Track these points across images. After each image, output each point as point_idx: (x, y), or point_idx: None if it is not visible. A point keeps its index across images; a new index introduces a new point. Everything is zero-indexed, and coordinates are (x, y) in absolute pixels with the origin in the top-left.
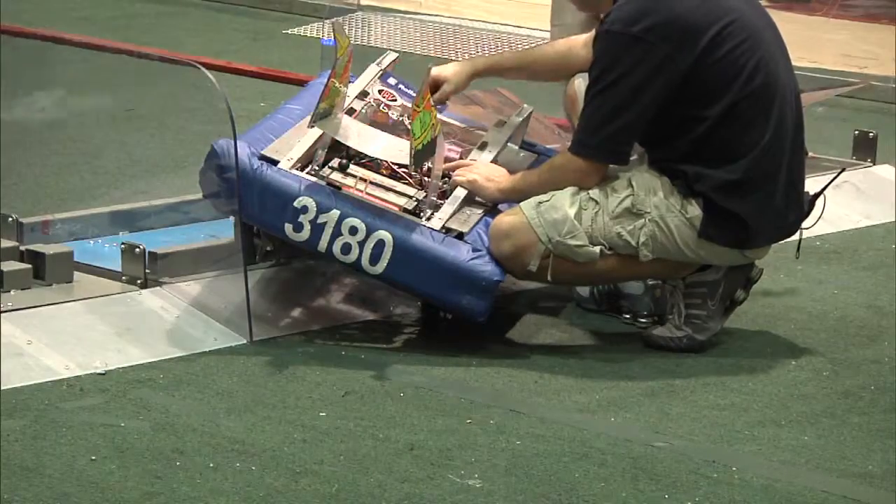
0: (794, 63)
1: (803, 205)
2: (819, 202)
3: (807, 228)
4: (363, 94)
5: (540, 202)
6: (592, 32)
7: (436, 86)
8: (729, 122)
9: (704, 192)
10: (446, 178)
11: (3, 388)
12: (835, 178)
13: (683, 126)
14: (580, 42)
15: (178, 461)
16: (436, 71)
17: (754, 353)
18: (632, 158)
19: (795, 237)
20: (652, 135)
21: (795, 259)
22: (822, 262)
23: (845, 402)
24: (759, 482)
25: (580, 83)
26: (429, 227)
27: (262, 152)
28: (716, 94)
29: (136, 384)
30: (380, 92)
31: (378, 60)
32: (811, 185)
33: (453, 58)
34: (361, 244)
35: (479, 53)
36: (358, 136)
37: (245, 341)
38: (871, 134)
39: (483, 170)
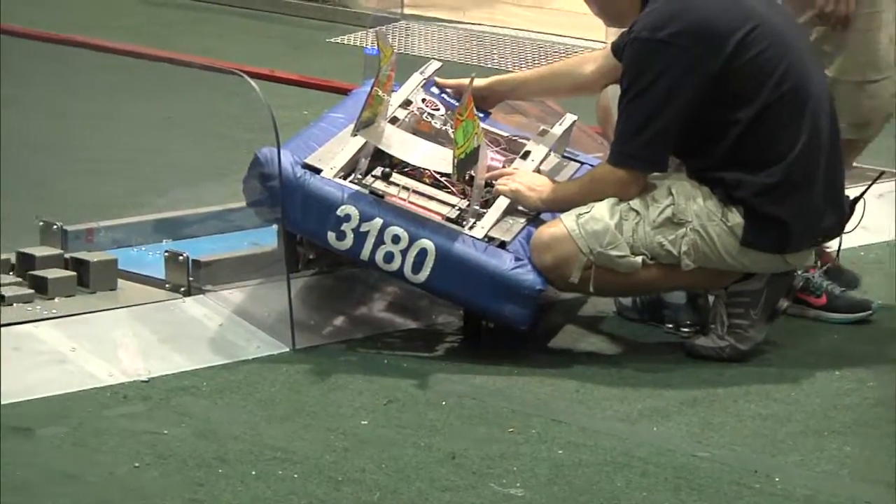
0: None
1: (843, 207)
2: (859, 207)
3: (848, 232)
4: (406, 103)
5: (580, 213)
6: (604, 51)
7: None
8: (763, 126)
9: (744, 197)
10: (489, 187)
11: (46, 394)
12: (874, 181)
13: (717, 131)
14: (590, 58)
15: (220, 469)
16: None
17: (797, 363)
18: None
19: (833, 244)
20: (687, 143)
21: (836, 263)
22: (865, 272)
23: (889, 413)
24: (801, 493)
25: (614, 94)
26: (471, 236)
27: (305, 161)
28: (747, 96)
29: (178, 392)
30: (423, 101)
31: (421, 69)
32: (854, 193)
33: (496, 67)
34: (404, 253)
35: (520, 62)
36: (401, 144)
37: (287, 349)
38: None
39: (525, 179)
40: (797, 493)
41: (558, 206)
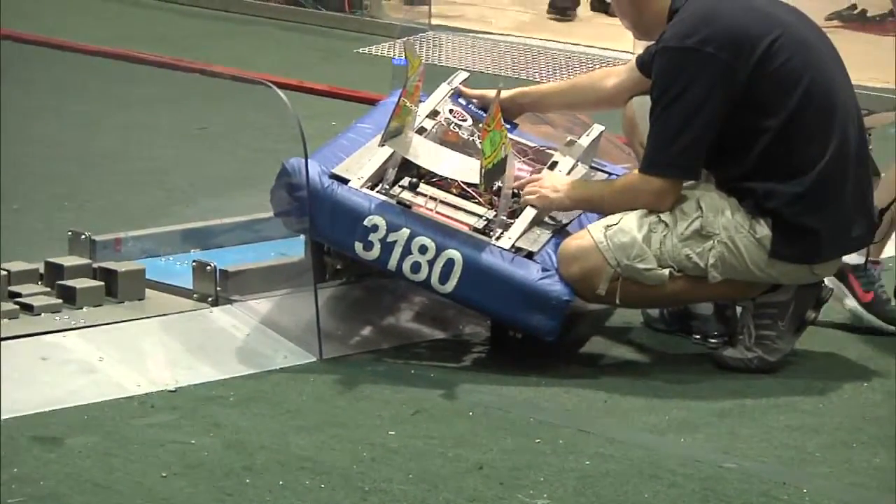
0: (866, 83)
1: (872, 216)
2: (888, 217)
3: (876, 242)
4: (434, 114)
5: (608, 225)
6: (628, 65)
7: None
8: (792, 134)
9: (776, 208)
10: (516, 198)
11: (74, 404)
12: None
13: (746, 140)
14: (613, 72)
15: (247, 478)
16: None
17: (825, 375)
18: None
19: (861, 255)
20: (716, 153)
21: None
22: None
23: None
24: None
25: (639, 105)
26: (498, 247)
27: (333, 171)
28: (775, 104)
29: (206, 401)
30: (450, 111)
31: (449, 80)
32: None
33: (523, 77)
34: (431, 263)
35: (548, 73)
36: (428, 155)
37: (315, 359)
38: None
39: (547, 182)
40: None
41: (587, 205)
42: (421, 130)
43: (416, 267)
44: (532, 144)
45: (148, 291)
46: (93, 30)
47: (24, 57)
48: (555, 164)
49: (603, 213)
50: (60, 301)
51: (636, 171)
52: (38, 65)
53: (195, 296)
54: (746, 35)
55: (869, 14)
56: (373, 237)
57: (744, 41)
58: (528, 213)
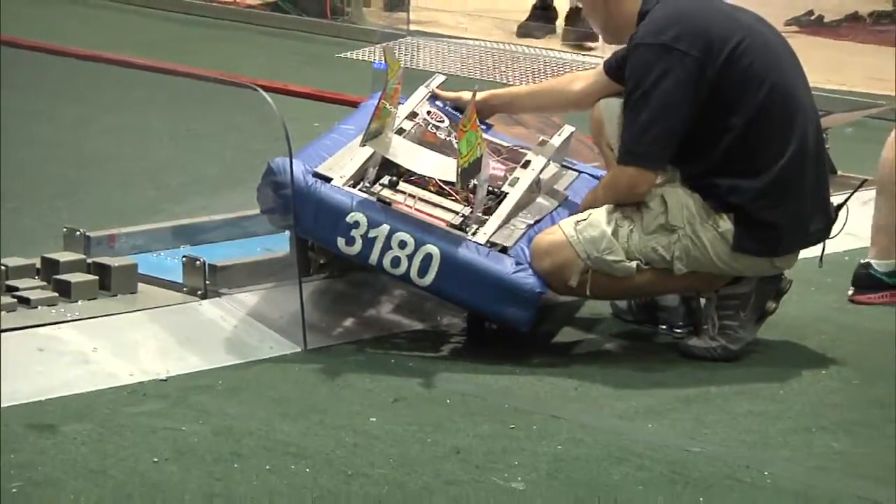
0: (823, 85)
1: (830, 213)
2: (843, 213)
3: (833, 237)
4: (412, 115)
5: (578, 221)
6: (596, 69)
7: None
8: (754, 133)
9: (738, 203)
10: (490, 195)
11: (69, 393)
12: (857, 189)
13: (712, 138)
14: (581, 76)
15: (235, 463)
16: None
17: (786, 363)
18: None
19: (819, 248)
20: (682, 149)
21: (820, 268)
22: (849, 276)
23: (875, 411)
24: (792, 487)
25: (605, 107)
26: (474, 242)
27: (316, 170)
28: (740, 104)
29: (195, 390)
30: (428, 113)
31: (427, 83)
32: (839, 199)
33: (496, 80)
34: (410, 257)
35: (520, 76)
36: (407, 154)
37: (299, 350)
38: None
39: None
40: (788, 487)
41: (590, 207)
42: (400, 131)
43: (395, 261)
44: (506, 144)
45: (140, 285)
46: (86, 36)
47: (20, 62)
48: (528, 162)
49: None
50: (56, 295)
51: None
52: (33, 69)
53: (185, 289)
54: (715, 36)
55: (825, 20)
56: (354, 233)
57: (713, 41)
58: (503, 210)
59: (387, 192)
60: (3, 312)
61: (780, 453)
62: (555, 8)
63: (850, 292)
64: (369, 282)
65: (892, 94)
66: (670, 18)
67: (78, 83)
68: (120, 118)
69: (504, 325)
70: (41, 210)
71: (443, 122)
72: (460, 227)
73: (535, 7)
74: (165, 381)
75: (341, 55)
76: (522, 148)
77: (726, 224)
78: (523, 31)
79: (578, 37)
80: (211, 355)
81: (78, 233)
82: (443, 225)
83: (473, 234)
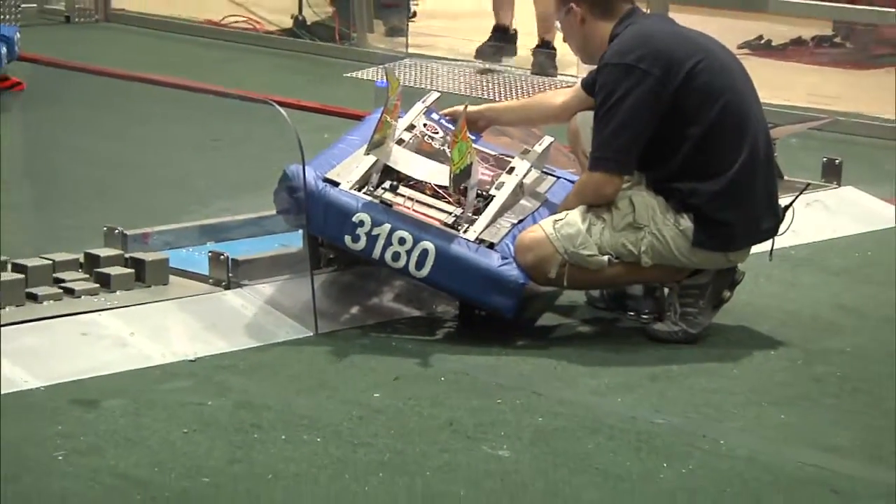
0: (772, 101)
1: (778, 213)
2: (790, 213)
3: (780, 234)
4: (410, 127)
5: (556, 220)
6: (574, 86)
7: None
8: (711, 142)
9: (697, 204)
10: (479, 198)
11: (109, 372)
12: (801, 192)
13: (673, 146)
14: (561, 92)
15: (255, 434)
16: (471, 109)
17: (739, 345)
18: (628, 183)
19: (768, 244)
20: (649, 157)
21: (769, 262)
22: (795, 268)
23: (817, 386)
24: (744, 454)
25: (581, 120)
26: (465, 239)
27: (326, 175)
28: (698, 116)
29: (220, 370)
30: (424, 125)
31: (423, 99)
32: (786, 201)
33: (485, 97)
34: (409, 252)
35: (506, 93)
36: (406, 162)
37: (311, 334)
38: (837, 161)
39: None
40: (740, 454)
41: (564, 209)
42: (400, 141)
43: (396, 256)
44: (493, 152)
45: (171, 277)
46: (119, 57)
47: (62, 80)
48: (512, 169)
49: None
50: (97, 286)
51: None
52: (73, 87)
53: (211, 281)
54: (675, 56)
55: (773, 44)
56: (359, 231)
57: (672, 61)
58: (490, 211)
59: (388, 195)
60: (50, 301)
61: (734, 424)
62: (514, 30)
63: None
64: (373, 274)
65: (832, 108)
66: (635, 41)
67: (112, 99)
68: (150, 130)
69: (491, 311)
70: (83, 211)
71: (437, 133)
72: (453, 226)
73: (495, 29)
74: (193, 361)
75: (348, 75)
76: (507, 156)
77: (686, 223)
78: (480, 53)
79: (542, 68)
80: (233, 339)
81: (116, 231)
82: (437, 224)
83: (464, 231)
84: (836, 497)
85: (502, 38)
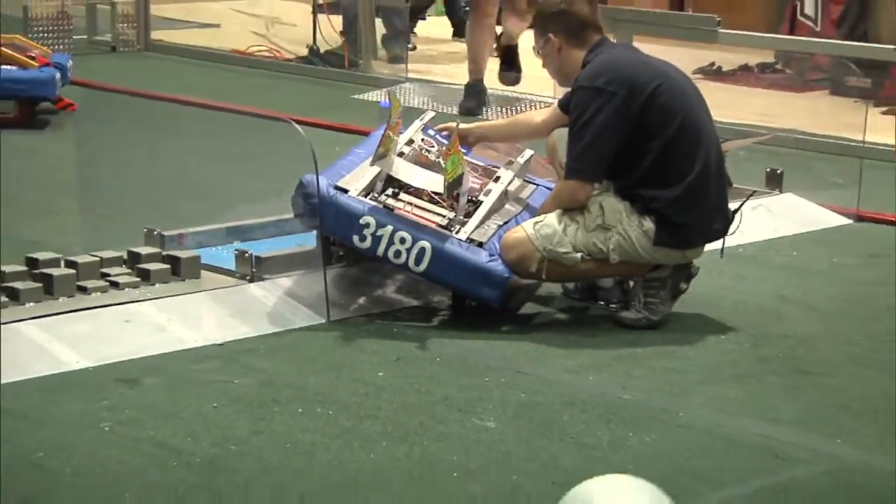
0: (722, 119)
1: (728, 216)
2: (738, 216)
3: (730, 234)
4: (410, 142)
5: (536, 222)
6: (552, 107)
7: (460, 136)
8: (669, 155)
9: (658, 208)
10: (470, 203)
11: (149, 354)
12: (748, 198)
13: (636, 158)
14: (542, 112)
15: (275, 407)
16: (462, 127)
17: (695, 330)
18: (598, 190)
19: (719, 243)
20: (616, 167)
21: (720, 258)
22: (742, 264)
23: (762, 366)
24: (700, 424)
25: (558, 135)
26: (457, 238)
27: (337, 184)
28: (658, 132)
29: (244, 352)
30: (422, 140)
31: (421, 117)
32: (735, 205)
33: (476, 116)
34: (408, 250)
35: (493, 112)
36: (406, 171)
37: (324, 321)
38: (778, 171)
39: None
40: (697, 424)
41: (541, 214)
42: (401, 154)
43: (397, 253)
44: (481, 164)
45: (203, 272)
46: (156, 82)
47: (108, 102)
48: (498, 178)
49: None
50: (139, 279)
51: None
52: (117, 108)
53: (237, 275)
54: (638, 80)
55: (723, 69)
56: (366, 232)
57: (636, 84)
58: (479, 214)
59: (390, 201)
60: (98, 293)
61: (691, 399)
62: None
63: None
64: (377, 269)
65: (774, 125)
66: (604, 67)
67: (151, 118)
68: (184, 145)
69: (480, 301)
70: (126, 215)
71: (433, 147)
72: (446, 227)
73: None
74: (221, 345)
75: (355, 97)
76: (494, 167)
77: (649, 224)
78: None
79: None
80: (256, 325)
81: (155, 232)
82: (433, 225)
83: (457, 232)
84: (779, 461)
85: (476, 93)
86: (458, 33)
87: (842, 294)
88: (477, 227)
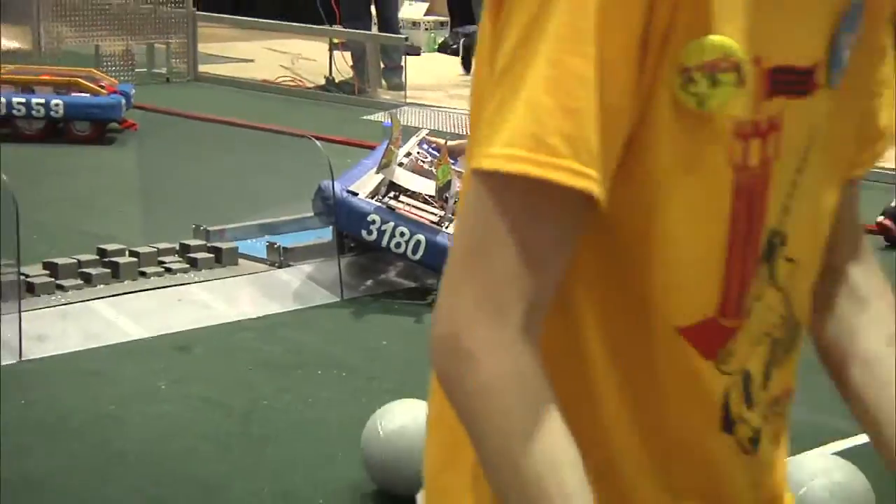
0: None
1: None
2: None
3: None
4: (408, 154)
5: None
6: None
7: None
8: None
9: None
10: (457, 204)
11: (196, 326)
12: None
13: None
14: None
15: (299, 370)
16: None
17: None
18: None
19: None
20: None
21: None
22: None
23: None
24: None
25: None
26: (447, 232)
27: (349, 188)
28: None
29: (274, 324)
30: (418, 153)
31: (417, 134)
32: None
33: (462, 133)
34: (407, 242)
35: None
36: (405, 178)
37: (338, 299)
38: None
39: None
40: None
41: None
42: (400, 164)
43: (398, 245)
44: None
45: (240, 260)
46: (203, 106)
47: (163, 123)
48: None
49: None
50: (189, 266)
51: None
52: (171, 127)
53: (268, 262)
54: None
55: None
56: (372, 227)
57: None
58: None
59: (392, 202)
60: (155, 276)
61: None
62: None
63: None
64: (382, 257)
65: None
66: None
67: (197, 135)
68: (224, 157)
69: None
70: (178, 214)
71: (427, 158)
72: (438, 224)
73: None
74: (255, 319)
75: (364, 117)
76: None
77: None
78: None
79: None
80: (283, 303)
81: (201, 228)
82: (427, 222)
83: (446, 227)
84: None
85: None
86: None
87: None
88: None
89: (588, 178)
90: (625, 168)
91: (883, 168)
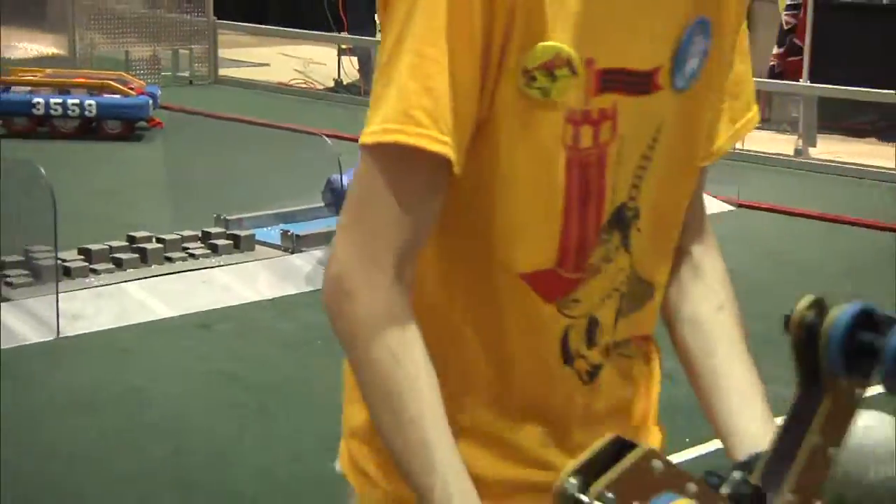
0: None
1: None
2: None
3: None
4: None
5: None
6: None
7: None
8: None
9: None
10: None
11: (217, 307)
12: None
13: None
14: None
15: (312, 346)
16: None
17: None
18: None
19: None
20: None
21: None
22: None
23: None
24: None
25: None
26: None
27: None
28: None
29: (289, 305)
30: None
31: None
32: None
33: None
34: None
35: None
36: None
37: None
38: None
39: None
40: None
41: None
42: None
43: None
44: None
45: (257, 246)
46: (223, 106)
47: (187, 121)
48: None
49: None
50: (210, 251)
51: None
52: (194, 125)
53: (282, 248)
54: None
55: None
56: None
57: None
58: None
59: None
60: (180, 261)
61: None
62: None
63: None
64: None
65: None
66: None
67: (218, 133)
68: (242, 152)
69: None
70: (201, 203)
71: None
72: None
73: None
74: (272, 300)
75: None
76: None
77: None
78: None
79: None
80: (297, 285)
81: (222, 217)
82: None
83: None
84: None
85: None
86: None
87: None
88: None
89: (445, 145)
90: (476, 141)
91: (883, 168)
